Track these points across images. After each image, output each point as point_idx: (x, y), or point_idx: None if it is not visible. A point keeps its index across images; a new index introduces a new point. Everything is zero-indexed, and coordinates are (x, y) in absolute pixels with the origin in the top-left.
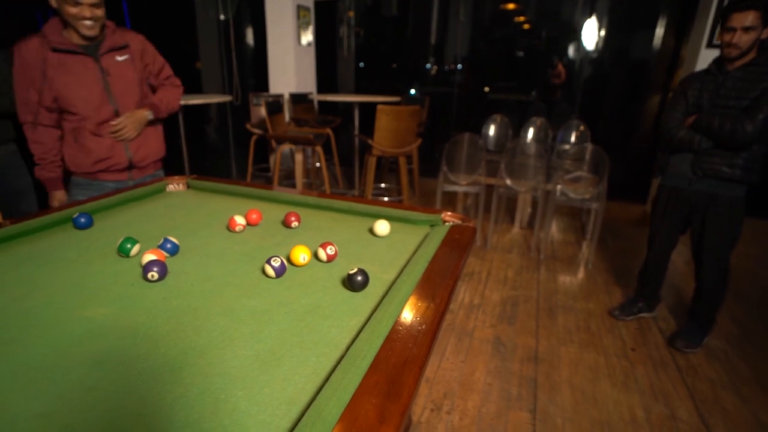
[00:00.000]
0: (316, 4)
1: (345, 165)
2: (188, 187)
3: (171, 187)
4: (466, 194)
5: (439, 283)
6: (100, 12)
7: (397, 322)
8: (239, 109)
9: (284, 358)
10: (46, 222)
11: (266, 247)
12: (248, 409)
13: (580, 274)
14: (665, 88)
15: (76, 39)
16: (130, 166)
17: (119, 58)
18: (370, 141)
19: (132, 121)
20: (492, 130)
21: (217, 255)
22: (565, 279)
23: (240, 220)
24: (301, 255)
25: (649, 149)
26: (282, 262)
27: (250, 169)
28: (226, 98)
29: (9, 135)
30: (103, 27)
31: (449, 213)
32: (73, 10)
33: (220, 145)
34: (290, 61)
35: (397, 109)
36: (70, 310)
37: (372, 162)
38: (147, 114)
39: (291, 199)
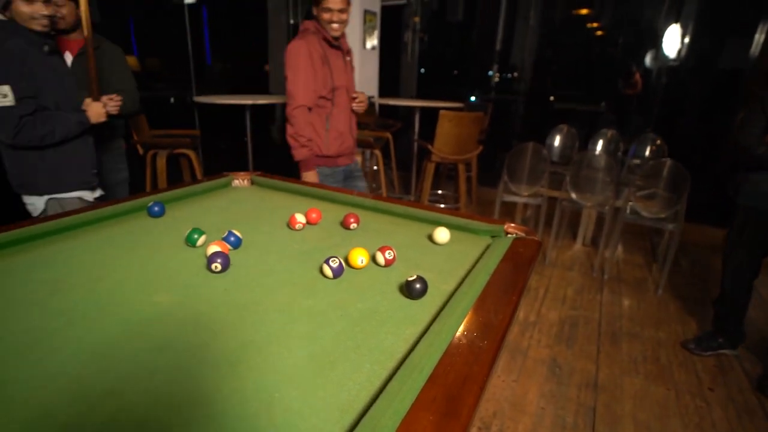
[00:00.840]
0: (383, 9)
1: (402, 170)
2: (252, 183)
3: (236, 183)
4: (525, 206)
5: (501, 298)
6: (345, 16)
7: (456, 336)
8: None
9: (338, 362)
10: (126, 209)
11: (324, 247)
12: (301, 411)
13: (649, 299)
14: (762, 100)
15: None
16: (351, 150)
17: (347, 59)
18: (429, 146)
19: (365, 98)
20: (557, 141)
21: (277, 251)
22: (631, 303)
23: (300, 218)
24: (359, 257)
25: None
26: (340, 263)
27: None
28: None
29: (120, 131)
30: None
31: (512, 224)
32: (326, 15)
33: (282, 145)
34: (354, 64)
35: (460, 115)
36: (140, 294)
37: (430, 168)
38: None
39: (350, 201)
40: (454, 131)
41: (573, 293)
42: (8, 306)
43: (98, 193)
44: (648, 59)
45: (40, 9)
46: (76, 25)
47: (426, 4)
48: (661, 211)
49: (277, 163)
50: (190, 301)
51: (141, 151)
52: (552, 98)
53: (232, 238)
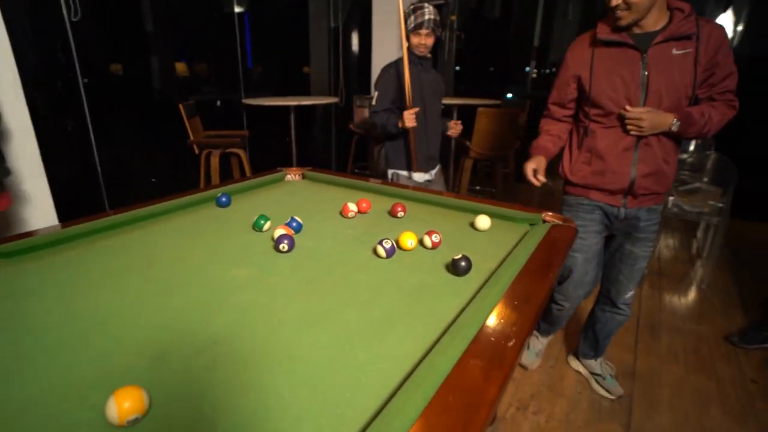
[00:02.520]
0: None
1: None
2: (303, 177)
3: (289, 177)
4: None
5: (540, 274)
6: None
7: (501, 302)
8: (342, 110)
9: (396, 324)
10: (195, 200)
11: (375, 233)
12: (368, 359)
13: (692, 294)
14: None
15: (635, 29)
16: (629, 190)
17: (676, 51)
18: (468, 143)
19: (652, 117)
20: None
21: (333, 236)
22: (672, 298)
23: (352, 207)
24: (409, 240)
25: None
26: (392, 244)
27: (350, 166)
28: (333, 99)
29: None
30: (670, 13)
31: (550, 213)
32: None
33: (322, 143)
34: None
35: (497, 111)
36: (219, 269)
37: (468, 164)
38: (673, 121)
39: (396, 193)
40: (491, 128)
41: None
42: (113, 274)
43: (427, 177)
44: None
45: (423, 40)
46: None
47: (464, 2)
48: (705, 205)
49: (316, 160)
50: (263, 274)
51: (196, 150)
52: None
53: (294, 224)
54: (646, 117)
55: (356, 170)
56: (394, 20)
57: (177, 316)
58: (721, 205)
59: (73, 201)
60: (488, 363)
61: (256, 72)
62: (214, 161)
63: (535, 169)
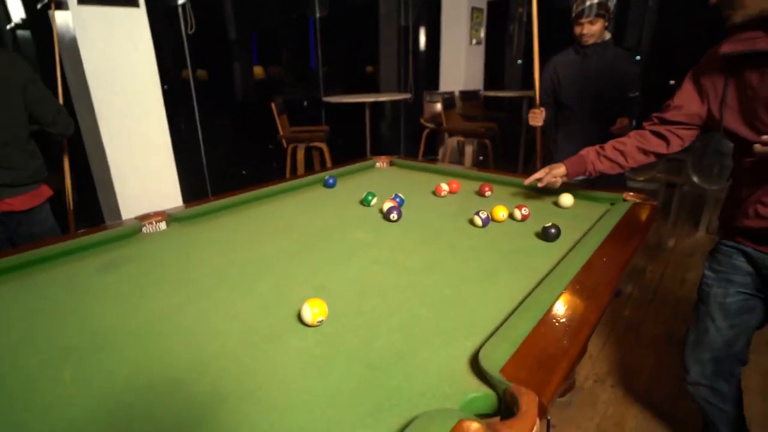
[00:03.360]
0: (489, 4)
1: (508, 159)
2: (391, 164)
3: (378, 164)
4: (641, 191)
5: (625, 240)
6: None
7: (591, 258)
8: (410, 105)
9: (500, 274)
10: (306, 182)
11: (467, 209)
12: (482, 295)
13: None
14: None
15: None
16: None
17: None
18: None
19: None
20: None
21: (432, 210)
22: None
23: (445, 186)
24: (501, 212)
25: None
26: (488, 214)
27: (420, 158)
28: (406, 96)
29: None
30: None
31: (630, 193)
32: None
33: (391, 136)
34: (461, 60)
35: None
36: (343, 232)
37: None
38: None
39: (480, 176)
40: None
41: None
42: (267, 234)
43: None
44: None
45: (585, 29)
46: None
47: None
48: None
49: (388, 152)
50: (380, 237)
51: (285, 144)
52: (672, 82)
53: (398, 199)
54: None
55: None
56: (463, 15)
57: (323, 264)
58: None
59: (189, 187)
60: (587, 297)
61: (325, 71)
62: (300, 154)
63: (540, 177)
